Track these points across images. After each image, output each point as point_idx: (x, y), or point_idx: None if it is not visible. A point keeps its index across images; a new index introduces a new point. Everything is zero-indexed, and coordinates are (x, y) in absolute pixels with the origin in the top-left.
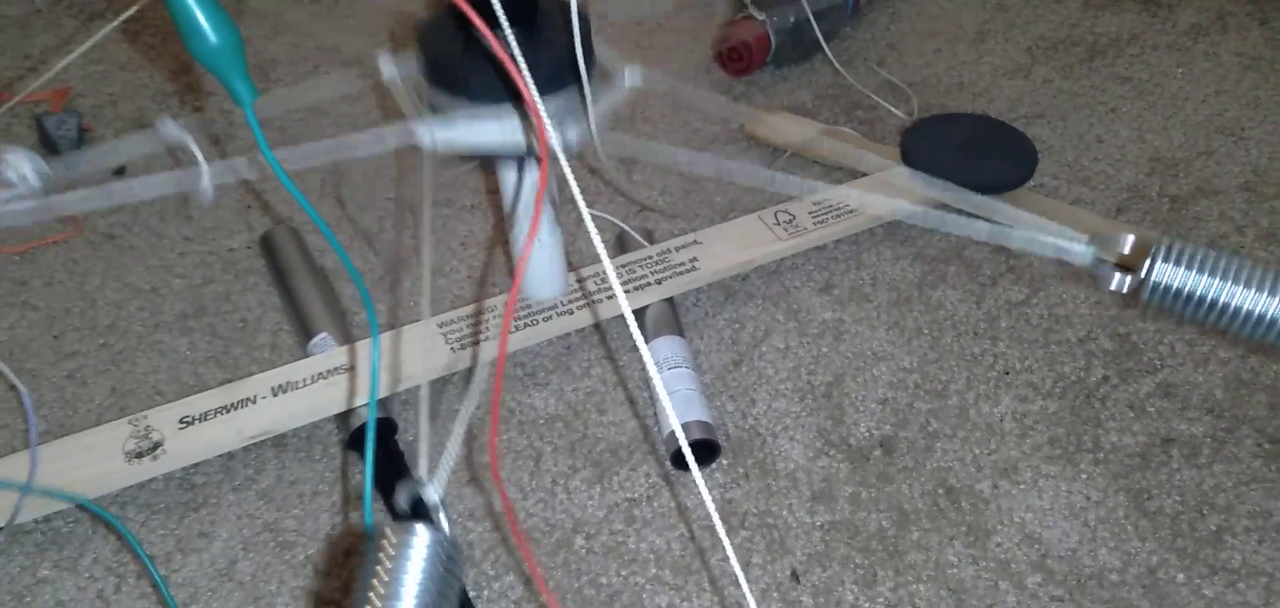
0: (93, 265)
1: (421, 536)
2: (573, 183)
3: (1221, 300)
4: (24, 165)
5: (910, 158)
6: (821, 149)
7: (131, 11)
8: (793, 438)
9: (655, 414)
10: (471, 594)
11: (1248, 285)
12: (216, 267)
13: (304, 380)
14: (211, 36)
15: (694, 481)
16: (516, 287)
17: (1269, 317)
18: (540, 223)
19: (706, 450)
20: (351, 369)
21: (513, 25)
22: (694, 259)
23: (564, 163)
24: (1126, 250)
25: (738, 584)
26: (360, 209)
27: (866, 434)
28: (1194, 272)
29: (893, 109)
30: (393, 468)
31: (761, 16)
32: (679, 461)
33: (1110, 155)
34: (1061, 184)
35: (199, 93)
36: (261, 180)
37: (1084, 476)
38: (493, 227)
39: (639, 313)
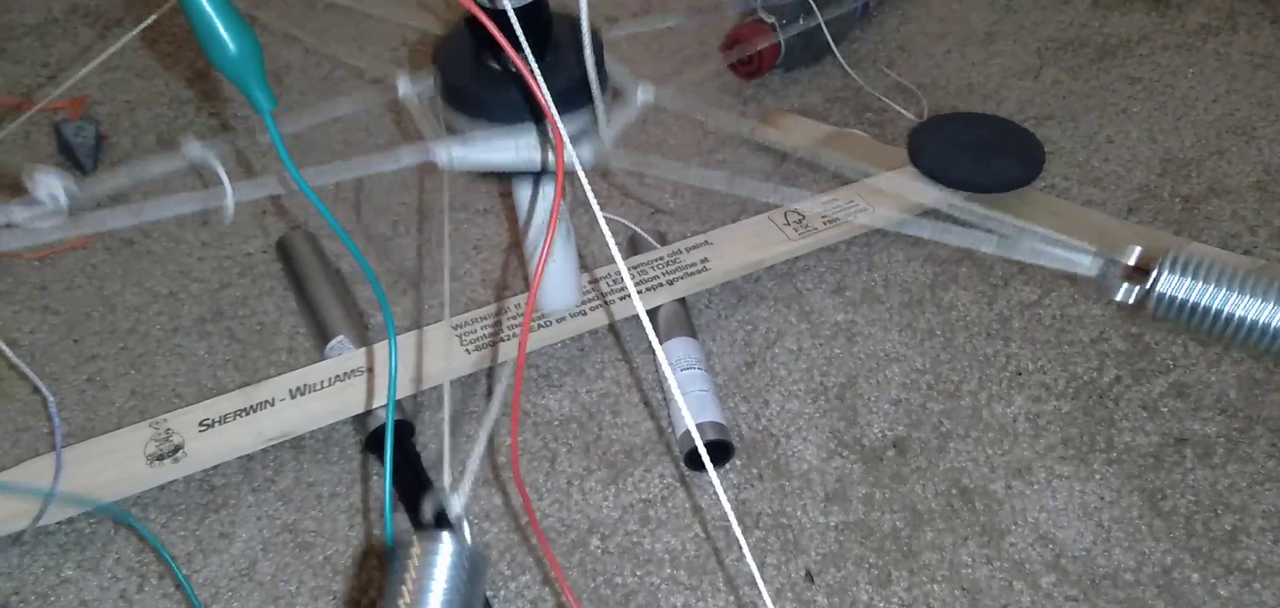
0: (112, 270)
1: (447, 544)
2: (592, 197)
3: (1229, 311)
4: (54, 185)
5: (918, 157)
6: (831, 151)
7: (150, 21)
8: (806, 439)
9: (669, 415)
10: (489, 594)
11: (1256, 296)
12: (234, 271)
13: (322, 383)
14: (231, 45)
15: (708, 481)
16: (531, 302)
17: (1277, 328)
18: (554, 238)
19: (720, 452)
20: (369, 371)
21: (531, 48)
22: (705, 260)
23: (583, 179)
24: (1133, 261)
25: (753, 584)
26: (376, 214)
27: (880, 435)
28: (1201, 282)
29: (903, 111)
30: (410, 471)
31: (771, 19)
32: (693, 461)
33: (1121, 156)
34: (1072, 185)
35: (217, 100)
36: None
37: (1098, 476)
38: (504, 229)
39: (651, 314)
